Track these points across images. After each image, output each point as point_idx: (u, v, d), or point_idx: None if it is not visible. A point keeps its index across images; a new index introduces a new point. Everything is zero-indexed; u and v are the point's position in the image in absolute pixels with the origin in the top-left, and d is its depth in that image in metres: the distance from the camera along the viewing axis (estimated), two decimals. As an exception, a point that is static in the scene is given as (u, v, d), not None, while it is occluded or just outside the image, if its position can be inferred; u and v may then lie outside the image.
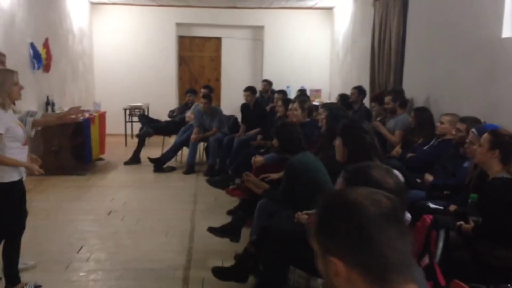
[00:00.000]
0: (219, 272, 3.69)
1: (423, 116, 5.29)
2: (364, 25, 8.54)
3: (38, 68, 7.63)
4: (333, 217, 1.12)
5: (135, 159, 8.32)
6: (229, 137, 7.65)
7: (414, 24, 6.32)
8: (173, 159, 8.16)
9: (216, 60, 11.88)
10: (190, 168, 7.79)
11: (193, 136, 7.75)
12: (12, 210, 3.57)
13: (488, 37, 4.43)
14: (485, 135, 3.06)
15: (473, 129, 3.59)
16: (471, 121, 4.27)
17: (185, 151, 8.31)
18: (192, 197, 6.46)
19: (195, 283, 3.95)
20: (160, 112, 10.10)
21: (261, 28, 11.53)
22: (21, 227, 3.71)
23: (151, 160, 7.86)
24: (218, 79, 11.84)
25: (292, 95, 9.99)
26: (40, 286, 3.74)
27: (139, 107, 10.21)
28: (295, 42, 11.40)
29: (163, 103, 10.86)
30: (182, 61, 11.76)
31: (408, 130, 5.63)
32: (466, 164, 4.03)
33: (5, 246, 3.63)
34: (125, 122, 10.18)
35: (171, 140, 8.95)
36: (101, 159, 8.56)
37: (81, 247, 4.63)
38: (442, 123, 4.79)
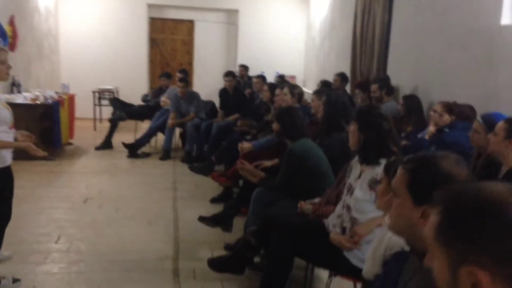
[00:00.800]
0: (216, 264, 3.49)
1: (413, 103, 5.21)
2: (344, 12, 8.41)
3: (4, 46, 7.15)
4: (478, 219, 0.90)
5: (107, 144, 7.97)
6: (207, 123, 7.40)
7: (401, 11, 6.22)
8: (147, 145, 7.85)
9: (189, 44, 11.55)
10: (166, 154, 7.52)
11: (170, 121, 7.46)
12: (6, 197, 3.27)
13: (486, 25, 4.35)
14: (501, 123, 2.95)
15: (478, 117, 3.50)
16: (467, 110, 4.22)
17: (159, 136, 8.03)
18: (171, 184, 6.21)
19: (186, 275, 3.74)
20: (130, 95, 9.71)
21: (235, 12, 11.26)
22: (8, 217, 3.42)
23: (125, 145, 7.54)
24: (190, 63, 11.52)
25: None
26: (19, 280, 3.44)
27: (108, 90, 9.82)
28: (270, 27, 11.19)
29: (133, 86, 10.48)
30: (154, 43, 11.38)
31: (397, 118, 5.54)
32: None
33: None
34: (94, 105, 9.77)
35: (144, 125, 8.64)
36: (70, 143, 8.17)
37: (59, 237, 4.34)
38: (435, 111, 4.70)
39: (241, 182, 4.79)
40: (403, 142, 4.93)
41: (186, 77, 8.13)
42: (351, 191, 2.75)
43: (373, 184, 2.61)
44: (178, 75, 8.16)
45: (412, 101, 5.23)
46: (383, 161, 2.62)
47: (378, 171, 2.60)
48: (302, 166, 3.50)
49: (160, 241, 4.38)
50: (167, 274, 3.76)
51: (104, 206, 5.23)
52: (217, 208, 5.14)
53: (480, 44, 4.44)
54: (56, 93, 7.81)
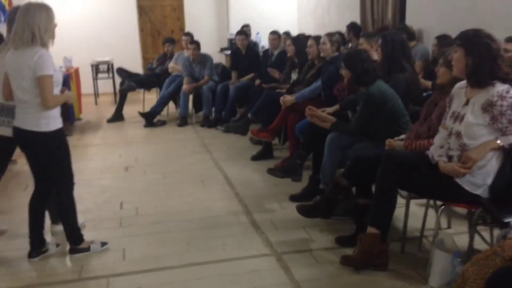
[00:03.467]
0: (305, 210, 3.50)
1: (447, 43, 5.21)
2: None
3: (5, 21, 6.82)
4: None
5: (118, 116, 7.79)
6: (222, 85, 7.30)
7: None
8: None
9: (178, 9, 11.25)
10: (183, 120, 7.41)
11: (185, 86, 7.31)
12: (66, 159, 3.17)
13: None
14: None
15: None
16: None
17: (169, 104, 7.89)
18: (202, 147, 6.14)
19: (265, 226, 3.74)
20: (125, 67, 9.42)
21: (224, -27, 10.99)
22: (73, 181, 3.30)
23: (142, 114, 7.39)
24: (182, 29, 11.21)
25: (263, 41, 9.73)
26: (107, 243, 3.41)
27: (106, 62, 9.54)
28: (260, -14, 10.98)
29: (126, 57, 10.15)
30: (142, 11, 11.04)
31: (428, 60, 5.56)
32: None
33: (63, 203, 3.24)
34: (93, 79, 9.49)
35: (150, 96, 8.46)
36: (79, 119, 7.94)
37: (121, 203, 4.26)
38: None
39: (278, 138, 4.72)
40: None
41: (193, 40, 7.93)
42: (460, 118, 2.76)
43: (488, 106, 2.62)
44: (185, 38, 7.97)
45: (446, 41, 5.23)
46: (497, 83, 2.64)
47: (493, 93, 2.62)
48: (382, 109, 3.50)
49: (223, 199, 4.35)
50: (247, 227, 3.75)
51: (148, 173, 5.15)
52: (259, 165, 5.17)
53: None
54: (60, 67, 7.54)
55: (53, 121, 3.06)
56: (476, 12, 5.11)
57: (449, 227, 3.61)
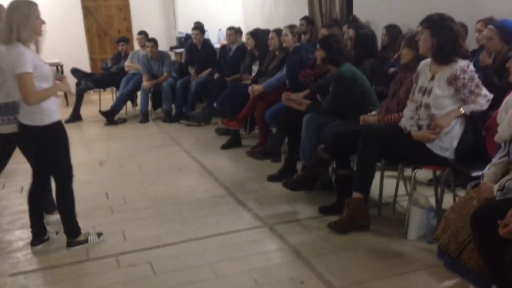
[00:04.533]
0: (290, 184, 3.83)
1: (395, 32, 5.69)
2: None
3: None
4: None
5: (76, 116, 7.80)
6: (182, 81, 7.50)
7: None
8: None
9: (124, 9, 11.28)
10: (145, 117, 7.56)
11: (146, 83, 7.46)
12: (64, 152, 3.28)
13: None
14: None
15: (490, 26, 4.00)
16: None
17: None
18: (171, 140, 6.34)
19: (251, 203, 4.03)
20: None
21: (169, -28, 11.13)
22: (71, 173, 3.44)
23: (102, 113, 7.45)
24: (129, 30, 11.27)
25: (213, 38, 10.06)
26: (102, 233, 3.52)
27: (57, 64, 9.45)
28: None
29: (74, 58, 10.08)
30: (87, 11, 10.98)
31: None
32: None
33: (62, 195, 3.34)
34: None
35: (106, 95, 8.50)
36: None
37: (106, 194, 4.42)
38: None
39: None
40: (391, 70, 5.44)
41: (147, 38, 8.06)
42: (427, 91, 3.17)
43: (452, 80, 3.04)
44: (139, 37, 8.10)
45: (394, 30, 5.72)
46: (458, 59, 3.06)
47: (456, 67, 3.04)
48: (352, 87, 3.88)
49: (204, 183, 4.60)
50: (234, 206, 4.03)
51: (124, 166, 5.31)
52: (230, 153, 5.46)
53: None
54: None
55: (47, 116, 3.13)
56: (420, 2, 5.61)
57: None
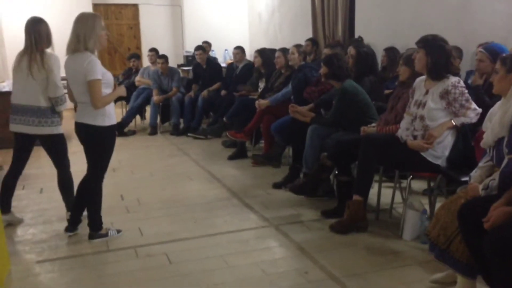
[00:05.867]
0: (294, 188, 4.14)
1: (394, 54, 6.06)
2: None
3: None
4: None
5: (87, 128, 8.10)
6: (190, 97, 7.84)
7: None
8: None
9: (135, 28, 11.73)
10: (153, 129, 7.88)
11: (156, 98, 7.80)
12: (108, 154, 3.62)
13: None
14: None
15: (481, 49, 4.34)
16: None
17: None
18: (179, 151, 6.64)
19: (257, 206, 4.32)
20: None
21: (178, -7, 11.60)
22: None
23: (114, 124, 7.75)
24: (139, 47, 11.71)
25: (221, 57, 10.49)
26: (121, 230, 3.80)
27: (64, 78, 9.79)
28: (213, 6, 11.64)
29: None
30: (99, 30, 11.38)
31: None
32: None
33: (93, 190, 3.65)
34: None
35: (116, 109, 8.79)
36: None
37: (121, 196, 4.70)
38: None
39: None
40: (386, 91, 5.77)
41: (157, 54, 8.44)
42: (422, 104, 3.49)
43: (445, 94, 3.37)
44: (150, 53, 8.48)
45: (393, 52, 6.09)
46: (450, 76, 3.40)
47: (448, 83, 3.37)
48: (354, 101, 4.21)
49: (212, 189, 4.89)
50: (241, 208, 4.32)
51: (136, 172, 5.60)
52: (236, 163, 5.77)
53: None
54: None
55: (108, 118, 3.51)
56: (416, 26, 5.99)
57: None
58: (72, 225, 3.73)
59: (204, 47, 8.33)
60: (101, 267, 3.26)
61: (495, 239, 2.19)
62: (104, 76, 3.43)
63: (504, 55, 2.71)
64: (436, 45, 3.42)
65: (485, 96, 4.13)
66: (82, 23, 3.36)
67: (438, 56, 3.40)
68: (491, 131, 2.72)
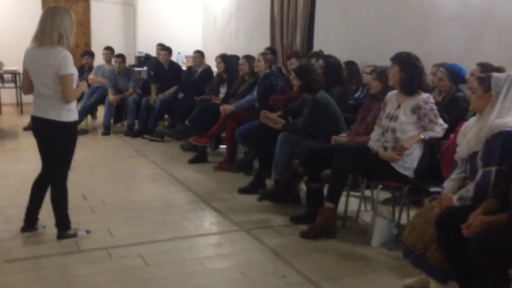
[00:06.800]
0: (266, 194, 4.22)
1: (353, 68, 6.28)
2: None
3: None
4: None
5: (35, 124, 7.81)
6: (147, 98, 7.75)
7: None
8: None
9: (85, 25, 11.39)
10: (107, 129, 7.71)
11: (111, 97, 7.64)
12: (72, 151, 3.53)
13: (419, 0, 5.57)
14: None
15: (441, 68, 4.61)
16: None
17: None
18: (136, 152, 6.55)
19: (226, 210, 4.34)
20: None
21: (132, -8, 11.43)
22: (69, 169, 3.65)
23: (65, 122, 7.52)
24: (88, 45, 11.39)
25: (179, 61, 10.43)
26: (90, 231, 3.71)
27: (14, 72, 9.42)
28: (168, 8, 11.54)
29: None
30: (48, 24, 10.99)
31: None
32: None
33: (56, 189, 3.54)
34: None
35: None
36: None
37: (83, 196, 4.58)
38: (367, 74, 5.74)
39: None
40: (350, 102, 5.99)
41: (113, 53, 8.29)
42: (394, 118, 3.67)
43: (416, 109, 3.57)
44: (105, 51, 8.31)
45: (352, 66, 6.30)
46: (421, 92, 3.60)
47: (420, 99, 3.58)
48: (325, 112, 4.35)
49: (178, 191, 4.88)
50: (210, 212, 4.34)
51: (95, 173, 5.48)
52: (198, 167, 5.78)
53: (414, 16, 5.65)
54: None
55: (72, 113, 3.44)
56: (375, 44, 6.25)
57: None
58: (29, 225, 3.59)
59: (170, 48, 8.21)
60: (75, 268, 3.19)
61: (478, 247, 2.35)
62: (75, 72, 3.38)
63: (481, 75, 2.91)
64: (410, 62, 3.62)
65: (444, 113, 4.41)
66: (62, 18, 3.28)
67: (411, 72, 3.59)
68: (466, 145, 2.91)
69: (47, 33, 3.25)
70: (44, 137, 3.44)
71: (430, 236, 2.82)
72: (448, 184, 3.04)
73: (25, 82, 3.47)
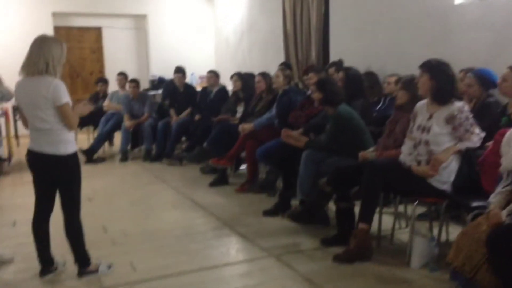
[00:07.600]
0: (295, 216, 4.00)
1: (373, 78, 6.08)
2: (264, 9, 9.17)
3: None
4: None
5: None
6: (163, 122, 7.61)
7: (338, 2, 7.11)
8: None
9: (98, 52, 11.41)
10: (124, 156, 7.58)
11: (127, 123, 7.53)
12: (79, 182, 3.35)
13: (440, 5, 5.36)
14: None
15: (470, 74, 4.37)
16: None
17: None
18: (156, 178, 6.39)
19: (252, 235, 4.12)
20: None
21: (143, 17, 11.41)
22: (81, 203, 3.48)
23: (83, 151, 7.41)
24: (101, 71, 11.38)
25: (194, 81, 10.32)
26: (112, 265, 3.52)
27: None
28: (179, 30, 11.51)
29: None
30: (61, 53, 11.00)
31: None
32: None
33: (72, 225, 3.35)
34: (14, 121, 9.26)
35: (81, 135, 8.48)
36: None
37: (103, 227, 4.42)
38: (389, 83, 5.55)
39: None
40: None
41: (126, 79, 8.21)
42: (426, 129, 3.44)
43: (450, 119, 3.34)
44: (119, 77, 8.23)
45: (372, 77, 6.10)
46: (455, 101, 3.38)
47: (454, 108, 3.35)
48: (349, 125, 4.14)
49: (200, 217, 4.69)
50: (236, 238, 4.13)
51: (114, 201, 5.32)
52: (219, 190, 5.58)
53: (434, 23, 5.44)
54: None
55: (70, 145, 3.25)
56: (393, 52, 6.04)
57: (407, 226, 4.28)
58: (47, 266, 3.40)
59: (184, 70, 8.10)
60: (99, 308, 3.00)
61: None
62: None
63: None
64: (440, 69, 3.40)
65: (475, 119, 4.17)
66: (51, 47, 3.12)
67: (443, 80, 3.38)
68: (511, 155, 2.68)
69: (33, 61, 3.09)
70: (41, 172, 3.28)
71: (480, 257, 2.59)
72: (494, 198, 2.81)
73: (23, 117, 3.31)
